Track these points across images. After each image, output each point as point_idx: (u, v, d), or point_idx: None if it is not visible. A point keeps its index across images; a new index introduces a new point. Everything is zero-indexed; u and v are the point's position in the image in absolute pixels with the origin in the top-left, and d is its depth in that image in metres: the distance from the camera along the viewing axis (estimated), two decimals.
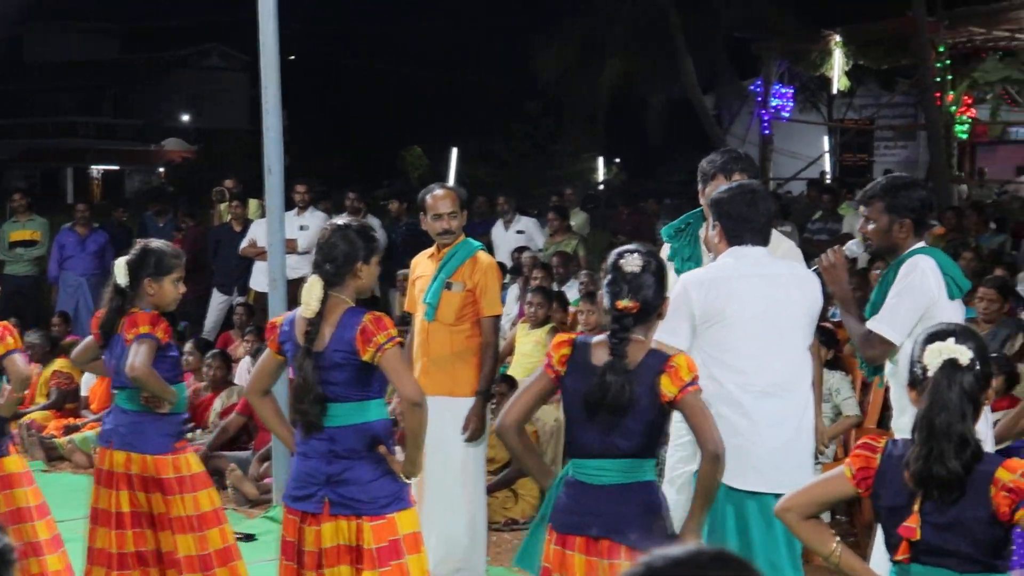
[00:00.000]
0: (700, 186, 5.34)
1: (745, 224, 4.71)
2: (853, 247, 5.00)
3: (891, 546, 3.33)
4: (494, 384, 8.61)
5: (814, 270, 4.99)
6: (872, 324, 4.73)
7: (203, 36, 50.85)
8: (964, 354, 3.26)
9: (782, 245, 5.23)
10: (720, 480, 4.06)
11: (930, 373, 3.27)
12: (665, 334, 4.59)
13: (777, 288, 4.68)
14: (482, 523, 6.59)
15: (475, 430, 6.40)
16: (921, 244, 4.90)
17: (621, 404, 3.95)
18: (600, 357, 4.03)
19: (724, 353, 4.62)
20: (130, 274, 5.44)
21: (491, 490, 8.21)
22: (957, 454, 3.17)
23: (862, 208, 4.99)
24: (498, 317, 6.54)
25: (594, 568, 4.02)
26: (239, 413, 9.10)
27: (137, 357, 5.24)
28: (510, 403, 4.27)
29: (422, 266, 6.59)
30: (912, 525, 3.22)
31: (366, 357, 4.49)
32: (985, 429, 4.70)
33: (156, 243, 5.58)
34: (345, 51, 45.18)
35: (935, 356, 3.27)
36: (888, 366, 4.85)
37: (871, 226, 4.89)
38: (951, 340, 3.28)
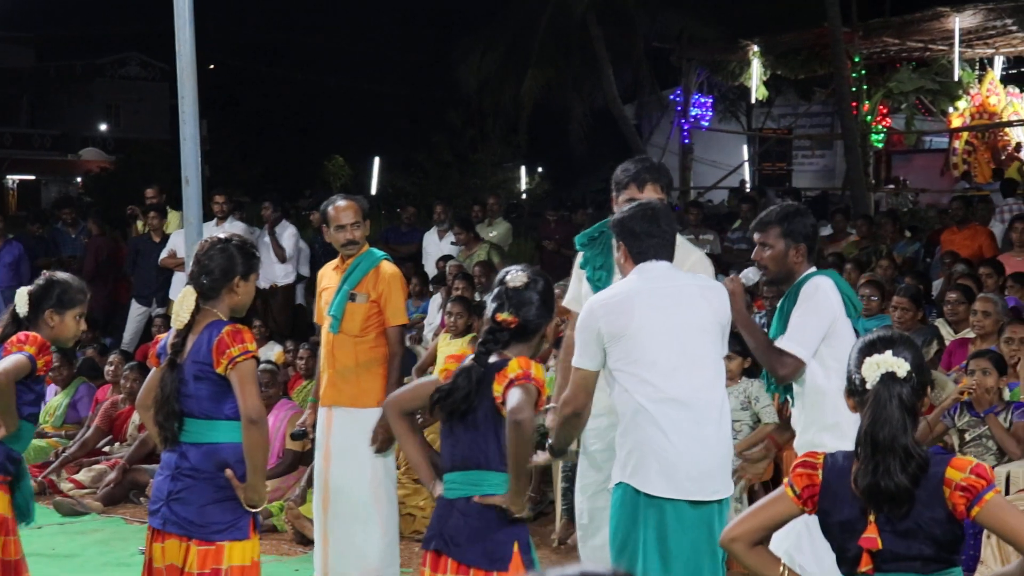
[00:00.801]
0: (614, 194, 5.37)
1: (647, 240, 4.75)
2: (750, 274, 5.13)
3: (847, 560, 3.32)
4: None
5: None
6: (783, 344, 4.86)
7: (121, 45, 50.21)
8: (902, 366, 3.29)
9: (691, 256, 5.30)
10: (527, 451, 4.04)
11: (868, 386, 3.31)
12: (577, 358, 4.73)
13: (681, 300, 4.70)
14: (394, 532, 6.59)
15: (383, 440, 6.38)
16: (812, 269, 5.05)
17: (458, 408, 3.99)
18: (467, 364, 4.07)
19: (631, 365, 4.65)
20: (31, 304, 5.13)
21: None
22: (903, 468, 3.20)
23: (757, 235, 5.11)
24: (404, 327, 6.56)
25: None
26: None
27: (3, 363, 4.88)
28: (400, 390, 4.40)
29: (327, 278, 6.58)
30: (872, 536, 3.24)
31: (219, 369, 4.44)
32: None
33: (62, 276, 5.27)
34: (266, 60, 44.88)
35: (873, 369, 3.31)
36: (794, 386, 4.95)
37: (767, 252, 5.04)
38: (889, 352, 3.31)
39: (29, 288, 5.23)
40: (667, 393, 4.60)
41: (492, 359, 4.05)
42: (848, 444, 3.39)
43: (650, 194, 5.25)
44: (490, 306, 4.15)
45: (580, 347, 4.73)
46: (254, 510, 4.55)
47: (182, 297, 4.54)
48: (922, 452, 3.25)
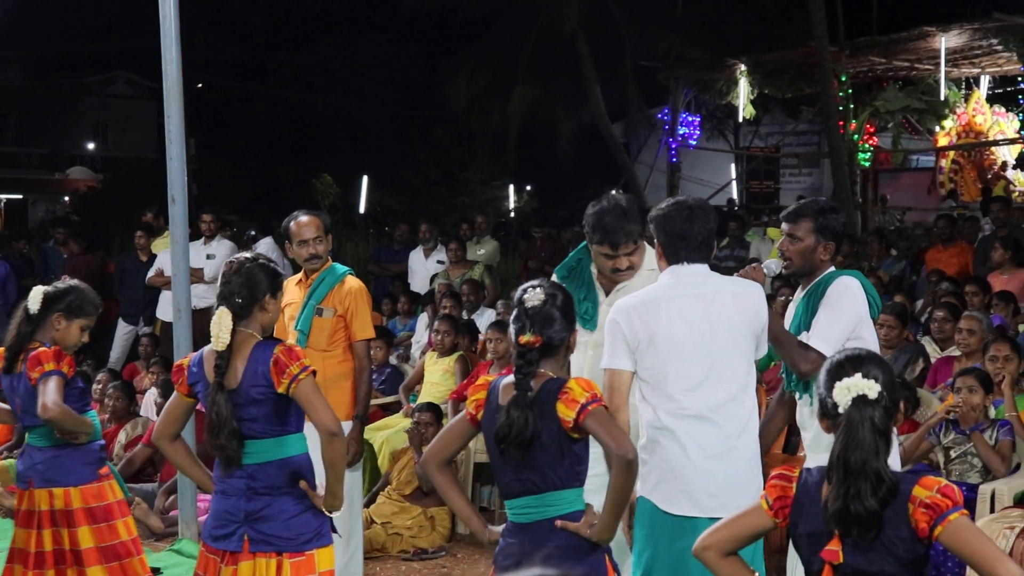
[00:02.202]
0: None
1: (681, 242, 4.62)
2: (772, 266, 5.03)
3: (812, 572, 3.34)
4: (417, 412, 8.62)
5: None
6: (812, 341, 4.76)
7: (109, 63, 50.19)
8: (872, 388, 3.29)
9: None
10: (633, 486, 4.01)
11: (841, 409, 3.31)
12: (608, 359, 4.62)
13: (712, 309, 4.55)
14: (358, 547, 6.60)
15: (355, 454, 6.41)
16: (832, 268, 5.00)
17: (526, 438, 3.93)
18: (507, 397, 4.02)
19: (655, 378, 4.54)
20: (43, 304, 5.43)
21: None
22: (874, 492, 3.20)
23: (786, 226, 5.01)
24: (370, 340, 6.58)
25: None
26: (145, 445, 8.97)
27: (47, 396, 5.20)
28: (433, 442, 4.26)
29: (290, 293, 6.60)
30: (835, 549, 3.25)
31: (281, 389, 4.47)
32: (893, 452, 4.78)
33: (82, 285, 5.59)
34: (255, 79, 44.91)
35: (844, 394, 3.31)
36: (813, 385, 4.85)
37: (797, 245, 4.95)
38: (858, 375, 3.31)
39: (47, 288, 5.51)
40: (689, 410, 4.51)
41: (534, 383, 4.02)
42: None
43: (627, 249, 5.16)
44: (512, 329, 4.13)
45: (609, 347, 4.60)
46: (334, 514, 4.63)
47: (219, 319, 4.53)
48: (892, 476, 3.25)
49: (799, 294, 5.10)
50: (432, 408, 8.68)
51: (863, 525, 3.21)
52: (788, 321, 5.06)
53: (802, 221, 4.98)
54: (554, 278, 5.34)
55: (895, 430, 4.36)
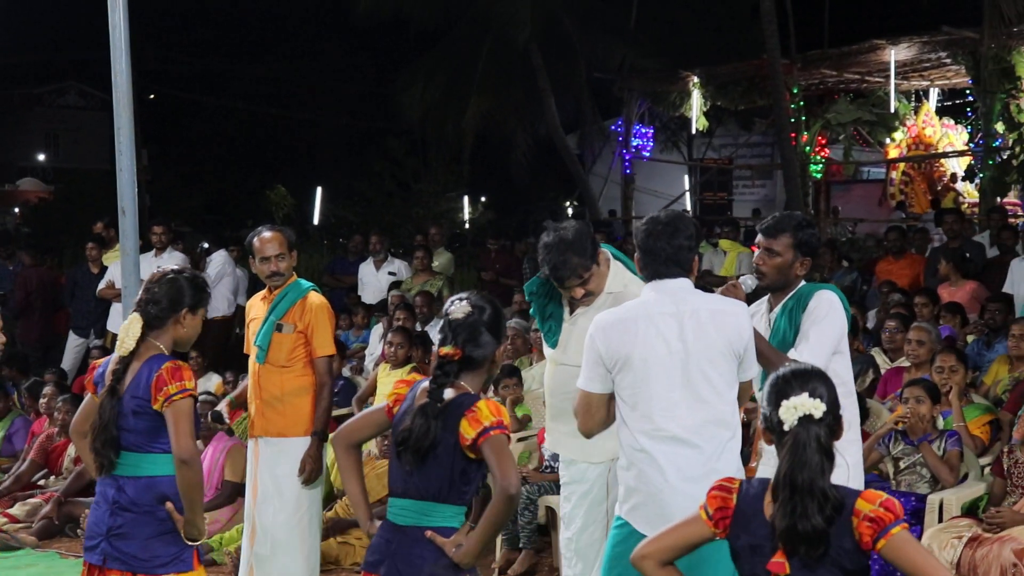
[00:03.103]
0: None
1: (648, 257, 4.53)
2: (748, 281, 4.97)
3: None
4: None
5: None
6: (804, 357, 4.65)
7: (61, 73, 49.81)
8: (818, 408, 3.33)
9: (632, 284, 5.20)
10: (507, 520, 4.00)
11: (786, 427, 3.34)
12: (583, 379, 4.56)
13: (689, 328, 4.43)
14: (316, 564, 6.57)
15: (311, 471, 6.38)
16: (803, 282, 5.01)
17: (423, 447, 3.93)
18: (422, 401, 4.02)
19: (632, 398, 4.44)
20: None
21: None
22: (820, 510, 3.23)
23: (764, 239, 4.97)
24: (331, 357, 6.53)
25: None
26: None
27: None
28: (347, 422, 4.27)
29: (255, 308, 6.58)
30: (780, 561, 3.27)
31: (156, 406, 4.43)
32: (853, 462, 4.78)
33: None
34: (208, 90, 44.69)
35: (791, 413, 3.33)
36: None
37: (775, 259, 4.92)
38: (805, 395, 3.34)
39: None
40: (667, 431, 4.39)
41: (448, 393, 4.01)
42: (839, 468, 3.38)
43: (574, 283, 5.15)
44: (438, 338, 4.14)
45: (585, 367, 4.53)
46: (194, 543, 4.55)
47: (128, 324, 4.52)
48: (837, 494, 3.28)
49: (772, 310, 5.04)
50: None
51: (810, 543, 3.25)
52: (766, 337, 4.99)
53: (781, 236, 4.93)
54: (525, 293, 5.35)
55: (857, 441, 4.39)
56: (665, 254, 4.50)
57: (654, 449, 4.40)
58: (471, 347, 4.05)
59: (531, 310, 5.35)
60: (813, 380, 3.38)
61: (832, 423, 3.35)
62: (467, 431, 3.91)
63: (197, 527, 4.52)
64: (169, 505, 4.48)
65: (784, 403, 3.35)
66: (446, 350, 4.04)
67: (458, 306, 4.12)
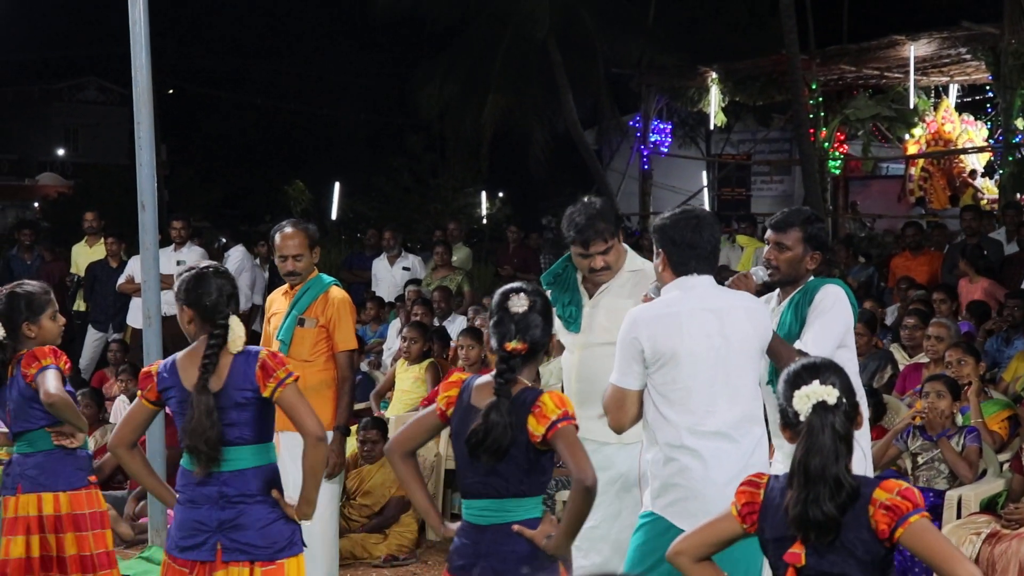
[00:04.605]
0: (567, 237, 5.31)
1: (690, 252, 4.52)
2: (760, 273, 4.99)
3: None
4: (363, 430, 8.59)
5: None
6: (808, 349, 4.68)
7: (80, 69, 49.98)
8: (831, 394, 3.33)
9: (646, 265, 5.22)
10: (589, 511, 3.98)
11: (802, 418, 3.35)
12: (617, 375, 4.55)
13: (728, 323, 4.47)
14: (334, 557, 6.58)
15: (335, 465, 6.39)
16: (811, 276, 5.02)
17: (502, 446, 3.92)
18: (482, 399, 4.01)
19: (674, 393, 4.45)
20: (5, 325, 5.38)
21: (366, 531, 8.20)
22: (832, 497, 3.24)
23: (773, 234, 4.99)
24: (353, 351, 6.53)
25: None
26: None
27: (50, 385, 5.19)
28: (399, 431, 4.25)
29: (277, 303, 6.58)
30: (797, 551, 3.29)
31: (266, 393, 4.44)
32: (864, 457, 4.79)
33: (22, 286, 5.50)
34: (226, 85, 44.80)
35: (804, 401, 3.35)
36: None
37: (786, 254, 4.95)
38: (816, 383, 3.35)
39: None
40: (708, 426, 4.42)
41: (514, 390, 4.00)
42: (857, 457, 3.41)
43: (598, 247, 5.21)
44: (494, 334, 4.09)
45: (620, 363, 4.50)
46: (307, 522, 4.60)
47: (237, 323, 4.51)
48: (852, 481, 3.29)
49: (781, 303, 5.05)
50: (378, 424, 8.66)
51: (821, 529, 3.26)
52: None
53: (791, 230, 4.96)
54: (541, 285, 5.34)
55: (867, 437, 4.38)
56: (709, 247, 4.55)
57: (698, 445, 4.42)
58: (534, 339, 4.05)
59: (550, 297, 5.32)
60: (824, 370, 3.40)
61: (848, 410, 3.36)
62: (536, 428, 3.91)
63: (314, 505, 4.55)
64: (275, 492, 4.51)
65: (796, 393, 3.37)
66: (513, 345, 4.01)
67: (516, 299, 4.08)
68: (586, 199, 5.36)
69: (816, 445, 3.29)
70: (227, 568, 4.45)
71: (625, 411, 4.56)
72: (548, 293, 5.35)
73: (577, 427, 3.97)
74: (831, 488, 3.25)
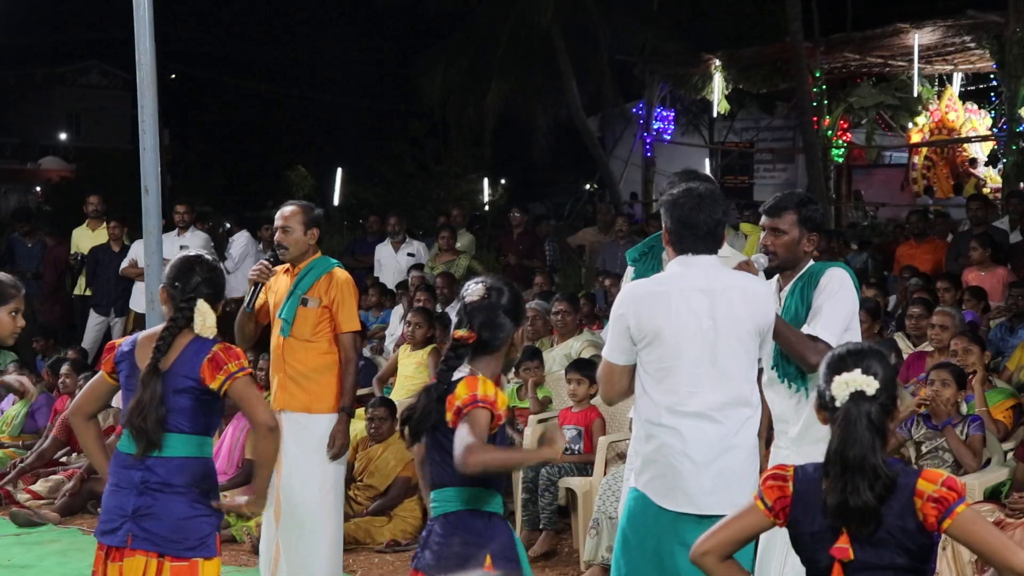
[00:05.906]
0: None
1: (687, 230, 4.50)
2: (761, 259, 4.93)
3: (819, 570, 3.34)
4: (371, 408, 8.59)
5: None
6: (818, 332, 4.67)
7: (82, 53, 49.87)
8: (871, 385, 3.31)
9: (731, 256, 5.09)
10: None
11: (838, 403, 3.32)
12: (607, 350, 4.57)
13: (719, 305, 4.44)
14: (339, 542, 6.57)
15: (340, 446, 6.38)
16: (812, 261, 4.98)
17: (423, 427, 3.95)
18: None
19: (659, 372, 4.45)
20: None
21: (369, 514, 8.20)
22: (871, 487, 3.22)
23: (768, 220, 4.95)
24: (356, 333, 6.53)
25: None
26: (118, 436, 8.93)
27: None
28: (469, 441, 4.06)
29: (276, 280, 6.56)
30: (844, 545, 3.26)
31: (214, 385, 4.40)
32: None
33: None
34: (229, 70, 44.73)
35: (843, 388, 3.32)
36: (808, 378, 4.72)
37: (782, 238, 4.90)
38: (858, 371, 3.32)
39: None
40: (690, 407, 4.41)
41: (458, 376, 3.99)
42: None
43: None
44: (453, 322, 4.13)
45: (610, 338, 4.52)
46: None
47: (208, 310, 4.49)
48: (889, 472, 3.26)
49: (783, 290, 5.00)
50: (386, 403, 8.67)
51: (861, 519, 3.24)
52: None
53: (785, 214, 4.92)
54: (628, 260, 5.29)
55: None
56: (707, 227, 4.51)
57: (678, 424, 4.42)
58: (487, 330, 4.02)
59: (632, 275, 5.21)
60: (869, 358, 3.36)
61: (887, 402, 3.33)
62: (448, 415, 3.91)
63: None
64: (225, 497, 4.51)
65: (836, 378, 3.34)
66: (460, 333, 4.02)
67: (473, 289, 4.09)
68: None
69: (852, 435, 3.25)
70: (135, 556, 4.40)
71: (612, 385, 4.60)
72: (631, 269, 5.28)
73: (489, 410, 3.89)
74: (869, 478, 3.22)
